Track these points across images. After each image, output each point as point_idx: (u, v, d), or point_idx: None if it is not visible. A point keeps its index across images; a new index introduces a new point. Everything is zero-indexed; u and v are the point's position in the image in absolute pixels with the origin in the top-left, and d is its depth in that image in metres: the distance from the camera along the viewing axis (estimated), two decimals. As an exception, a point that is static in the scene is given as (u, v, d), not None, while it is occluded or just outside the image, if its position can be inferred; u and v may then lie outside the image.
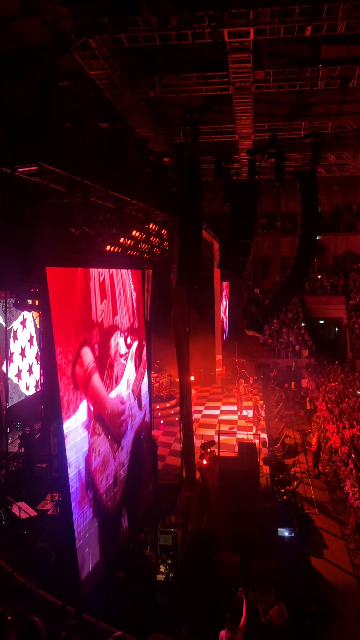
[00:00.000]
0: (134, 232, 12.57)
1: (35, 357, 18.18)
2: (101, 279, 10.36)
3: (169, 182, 10.37)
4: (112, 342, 10.96)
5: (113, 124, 9.04)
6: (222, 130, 19.23)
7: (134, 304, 12.55)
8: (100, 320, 10.24)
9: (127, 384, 12.03)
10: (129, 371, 12.12)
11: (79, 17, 11.12)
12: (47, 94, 7.04)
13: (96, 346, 9.98)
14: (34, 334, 17.77)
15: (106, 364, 10.58)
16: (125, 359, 11.83)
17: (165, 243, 14.67)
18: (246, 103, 15.98)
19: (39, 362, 17.23)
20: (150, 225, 13.17)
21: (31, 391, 18.41)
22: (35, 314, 13.63)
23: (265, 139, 17.82)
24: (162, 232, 14.14)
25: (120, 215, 10.61)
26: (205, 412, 24.30)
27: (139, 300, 12.94)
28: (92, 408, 9.72)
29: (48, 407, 9.51)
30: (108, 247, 11.62)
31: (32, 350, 17.94)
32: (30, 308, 10.47)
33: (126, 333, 11.89)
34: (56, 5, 10.21)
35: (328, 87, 15.07)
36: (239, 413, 23.43)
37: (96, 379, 10.00)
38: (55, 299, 8.27)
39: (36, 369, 18.12)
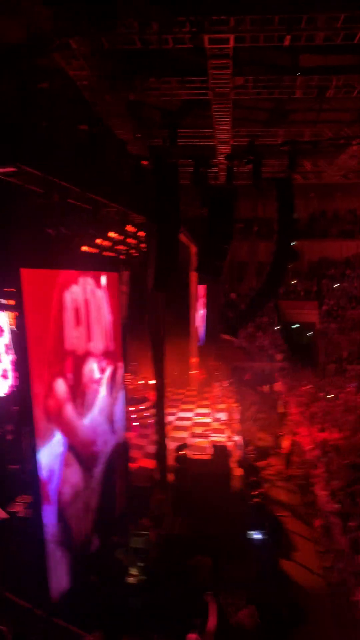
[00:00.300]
0: (111, 234, 12.54)
1: (11, 363, 17.89)
2: (77, 303, 10.29)
3: (147, 185, 10.39)
4: (86, 369, 10.89)
5: (92, 127, 9.02)
6: (200, 134, 19.35)
7: (110, 326, 12.50)
8: (74, 348, 10.15)
9: (100, 409, 11.97)
10: (102, 396, 12.06)
11: (60, 18, 11.08)
12: (26, 95, 6.98)
13: (69, 375, 9.92)
14: (8, 340, 17.49)
15: (78, 392, 10.49)
16: (99, 384, 11.76)
17: (143, 245, 14.66)
18: (225, 109, 16.13)
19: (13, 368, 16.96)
20: (128, 227, 13.16)
21: (3, 391, 18.13)
22: (11, 317, 13.45)
23: (243, 144, 18.00)
24: (140, 234, 14.13)
25: (97, 217, 10.58)
26: (180, 414, 24.33)
27: (116, 322, 12.89)
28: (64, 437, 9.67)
29: (21, 409, 9.43)
30: (84, 249, 11.57)
31: (8, 357, 17.66)
32: (4, 308, 10.38)
33: (101, 358, 11.83)
34: (36, 5, 10.15)
35: (306, 95, 15.30)
36: (212, 416, 23.51)
37: (69, 408, 9.94)
38: (30, 303, 8.20)
39: (10, 374, 17.82)
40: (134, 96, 15.32)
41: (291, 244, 12.89)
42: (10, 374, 17.07)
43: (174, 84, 14.83)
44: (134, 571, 11.47)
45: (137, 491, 15.04)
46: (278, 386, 28.57)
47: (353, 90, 14.98)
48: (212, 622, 7.46)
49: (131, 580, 11.35)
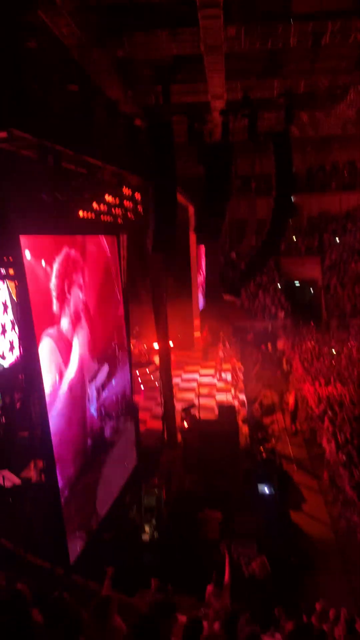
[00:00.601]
0: (107, 197, 12.36)
1: (17, 335, 17.89)
2: (77, 268, 10.23)
3: (142, 144, 10.18)
4: (90, 334, 10.91)
5: (82, 87, 8.77)
6: (194, 90, 18.82)
7: (112, 290, 12.44)
8: (77, 313, 10.17)
9: (107, 373, 12.05)
10: (108, 360, 12.12)
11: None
12: (13, 55, 6.76)
13: (74, 340, 9.97)
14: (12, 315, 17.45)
15: (84, 356, 10.55)
16: (104, 348, 11.79)
17: (140, 207, 14.47)
18: (218, 61, 15.61)
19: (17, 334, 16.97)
20: (124, 190, 12.96)
21: (9, 360, 18.25)
22: (13, 288, 13.35)
23: (238, 99, 17.52)
24: (136, 196, 13.92)
25: (92, 181, 10.41)
26: (185, 376, 24.55)
27: (118, 286, 12.80)
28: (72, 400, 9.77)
29: (28, 376, 9.51)
30: (81, 214, 11.42)
31: (13, 332, 17.68)
32: (4, 278, 10.31)
33: (104, 322, 11.83)
34: None
35: (301, 44, 14.77)
36: (218, 376, 23.72)
37: (76, 372, 10.01)
38: (31, 270, 8.16)
39: (17, 345, 17.87)
40: (123, 52, 14.83)
41: (290, 199, 12.67)
42: (16, 344, 17.14)
43: (164, 38, 14.31)
44: (146, 528, 11.78)
45: (147, 452, 15.32)
46: (281, 344, 28.71)
47: (349, 36, 14.45)
48: (227, 576, 7.70)
49: (145, 537, 11.67)
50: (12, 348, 16.67)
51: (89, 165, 9.22)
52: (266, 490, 13.31)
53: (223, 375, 23.53)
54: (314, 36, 14.11)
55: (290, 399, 19.00)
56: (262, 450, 15.69)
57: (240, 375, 23.27)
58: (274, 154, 11.47)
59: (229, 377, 23.05)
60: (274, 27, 14.03)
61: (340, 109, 21.36)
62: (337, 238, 36.64)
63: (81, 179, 10.02)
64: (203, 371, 25.24)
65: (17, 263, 7.86)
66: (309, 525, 13.00)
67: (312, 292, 36.75)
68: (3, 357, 18.01)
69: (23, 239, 7.93)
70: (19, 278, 7.98)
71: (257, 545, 10.94)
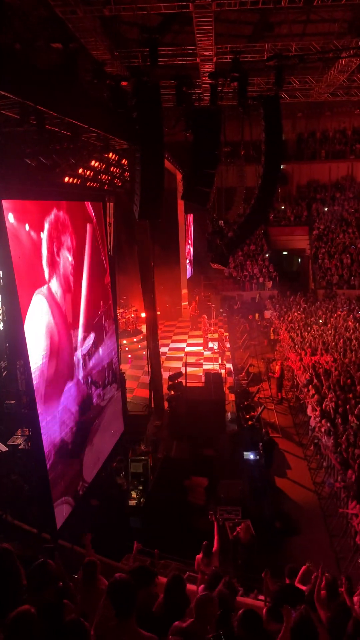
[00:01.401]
0: (93, 163, 12.07)
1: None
2: (62, 233, 10.04)
3: (128, 107, 9.89)
4: (76, 301, 10.79)
5: (66, 46, 8.43)
6: (182, 52, 18.35)
7: (98, 257, 12.27)
8: (62, 279, 10.01)
9: (93, 341, 11.98)
10: (94, 327, 12.04)
11: None
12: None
13: (60, 307, 9.84)
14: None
15: (70, 323, 10.45)
16: (90, 316, 11.69)
17: (127, 174, 14.18)
18: (207, 22, 15.18)
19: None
20: (110, 155, 12.66)
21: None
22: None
23: (227, 62, 17.10)
24: (123, 162, 13.62)
25: (77, 145, 10.14)
26: (172, 345, 24.61)
27: (104, 253, 12.62)
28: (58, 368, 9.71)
29: (13, 343, 9.43)
30: (67, 179, 11.16)
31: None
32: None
33: (90, 289, 11.68)
34: None
35: (292, 4, 14.39)
36: (205, 345, 23.79)
37: (62, 339, 9.92)
38: (14, 235, 8.00)
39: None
40: (109, 11, 14.34)
41: (279, 166, 12.46)
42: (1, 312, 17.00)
43: (152, -4, 13.87)
44: (133, 494, 11.93)
45: (134, 419, 15.42)
46: (268, 314, 28.82)
47: (342, -3, 14.11)
48: (216, 543, 7.83)
49: (131, 502, 11.82)
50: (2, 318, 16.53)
51: (74, 127, 8.94)
52: (251, 456, 13.51)
53: (210, 344, 23.60)
54: (306, -4, 13.75)
55: (277, 368, 19.15)
56: (248, 417, 15.85)
57: (227, 345, 23.37)
58: (263, 119, 11.21)
59: (215, 346, 23.14)
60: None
61: (332, 74, 21.01)
62: (325, 208, 36.48)
63: (66, 142, 9.75)
64: (190, 340, 25.30)
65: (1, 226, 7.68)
66: (293, 491, 13.25)
67: (299, 261, 36.75)
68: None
69: (5, 203, 7.73)
70: (2, 243, 7.81)
71: (242, 510, 11.13)
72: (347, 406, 14.65)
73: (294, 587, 5.68)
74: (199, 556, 7.76)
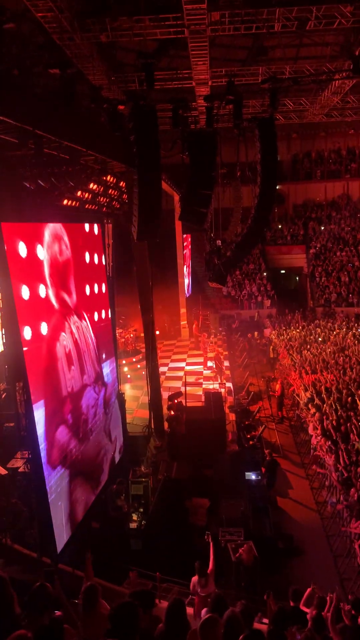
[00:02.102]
0: (91, 185, 12.22)
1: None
2: (61, 255, 10.10)
3: (125, 131, 10.04)
4: (75, 322, 10.83)
5: (64, 71, 8.59)
6: (178, 76, 18.68)
7: (97, 278, 12.35)
8: (61, 302, 10.07)
9: (92, 362, 11.98)
10: (93, 349, 12.04)
11: None
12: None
13: (59, 329, 9.86)
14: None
15: (70, 346, 10.47)
16: (89, 338, 11.71)
17: (125, 196, 14.34)
18: (202, 47, 15.50)
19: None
20: (108, 178, 12.82)
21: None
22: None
23: (222, 85, 17.41)
24: (121, 184, 13.79)
25: (76, 168, 10.26)
26: (172, 365, 24.56)
27: (102, 274, 12.69)
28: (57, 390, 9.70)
29: (13, 365, 9.41)
30: (65, 202, 11.29)
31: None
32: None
33: (89, 310, 11.75)
34: None
35: (285, 29, 14.71)
36: (204, 365, 23.76)
37: (61, 361, 9.93)
38: (13, 258, 8.05)
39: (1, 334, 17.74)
40: (106, 38, 14.64)
41: (275, 186, 12.60)
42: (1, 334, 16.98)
43: (147, 23, 14.17)
44: (134, 516, 11.80)
45: (134, 440, 15.32)
46: (267, 332, 28.84)
47: (333, 22, 14.41)
48: (211, 564, 7.72)
49: (132, 524, 11.69)
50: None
51: (72, 150, 9.06)
52: (253, 477, 13.39)
53: (210, 363, 23.57)
54: (299, 21, 14.05)
55: (277, 387, 19.10)
56: (249, 437, 15.77)
57: (225, 364, 23.34)
58: (258, 140, 11.36)
59: (214, 365, 23.10)
60: (258, 11, 13.96)
61: (325, 96, 21.37)
62: (321, 226, 36.79)
63: (64, 165, 9.87)
64: (190, 360, 25.27)
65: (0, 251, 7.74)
66: (296, 511, 13.12)
67: (297, 280, 36.90)
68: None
69: (5, 226, 7.80)
70: (1, 266, 7.86)
71: (244, 531, 11.01)
72: (349, 424, 14.57)
73: (296, 610, 5.60)
74: (195, 578, 7.65)
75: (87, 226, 12.13)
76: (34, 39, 15.21)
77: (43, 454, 8.92)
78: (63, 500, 9.81)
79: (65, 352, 10.18)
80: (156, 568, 9.15)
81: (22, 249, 8.48)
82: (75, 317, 10.90)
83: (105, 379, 12.96)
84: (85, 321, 11.54)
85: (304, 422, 16.95)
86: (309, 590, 6.49)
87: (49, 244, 9.60)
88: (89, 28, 14.25)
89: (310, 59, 19.64)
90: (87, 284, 11.73)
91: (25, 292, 8.46)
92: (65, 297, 10.33)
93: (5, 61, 7.46)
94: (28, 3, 12.28)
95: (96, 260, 12.45)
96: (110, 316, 13.55)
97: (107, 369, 13.11)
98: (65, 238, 10.47)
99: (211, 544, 7.87)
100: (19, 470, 12.22)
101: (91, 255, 12.01)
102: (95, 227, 12.67)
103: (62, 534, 9.63)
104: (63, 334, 10.12)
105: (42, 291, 9.13)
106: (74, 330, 10.83)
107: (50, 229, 9.73)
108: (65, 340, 10.21)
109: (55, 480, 9.42)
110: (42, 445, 8.95)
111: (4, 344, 15.55)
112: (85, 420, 11.36)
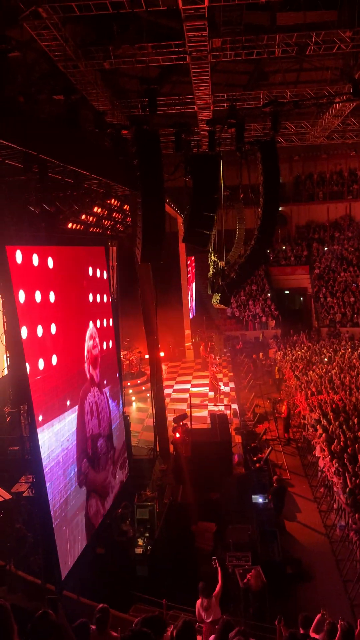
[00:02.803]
0: (95, 209, 12.35)
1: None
2: (65, 278, 10.18)
3: (129, 155, 10.18)
4: (79, 345, 10.86)
5: (68, 97, 8.76)
6: (180, 101, 18.98)
7: (101, 300, 12.41)
8: (65, 324, 10.11)
9: (97, 385, 11.96)
10: (98, 372, 12.03)
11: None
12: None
13: (63, 351, 9.89)
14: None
15: (74, 367, 10.47)
16: (93, 360, 11.72)
17: (129, 219, 14.48)
18: (204, 73, 15.77)
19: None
20: (112, 201, 12.95)
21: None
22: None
23: (224, 110, 17.67)
24: (125, 207, 13.92)
25: (80, 192, 10.39)
26: (177, 386, 24.46)
27: (107, 297, 12.76)
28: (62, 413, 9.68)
29: (17, 388, 9.38)
30: (70, 225, 11.39)
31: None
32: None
33: (93, 333, 11.79)
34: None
35: (285, 54, 14.96)
36: (209, 386, 23.64)
37: (65, 384, 9.92)
38: (17, 281, 8.09)
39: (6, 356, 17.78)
40: (109, 65, 14.93)
41: (277, 207, 12.70)
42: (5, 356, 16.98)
43: (150, 50, 14.45)
44: (140, 541, 11.62)
45: (139, 463, 15.18)
46: (272, 353, 28.74)
47: (333, 47, 14.66)
48: (218, 587, 7.57)
49: (137, 550, 11.51)
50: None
51: (77, 174, 9.18)
52: (260, 500, 13.21)
53: (214, 385, 23.44)
54: (299, 47, 14.30)
55: (283, 408, 18.95)
56: (255, 459, 15.60)
57: (230, 385, 23.23)
58: (261, 162, 11.49)
59: (220, 386, 23.00)
60: (258, 37, 14.23)
61: (326, 119, 21.64)
62: (325, 247, 36.93)
63: (69, 189, 9.99)
64: (195, 381, 25.16)
65: (3, 274, 7.78)
66: (304, 535, 12.90)
67: (302, 300, 36.90)
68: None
69: (9, 250, 7.86)
70: (6, 288, 7.89)
71: (251, 555, 10.82)
72: (356, 445, 14.40)
73: (307, 637, 5.46)
74: (198, 601, 7.50)
75: (91, 249, 12.19)
76: (39, 67, 15.55)
77: (48, 477, 8.84)
78: (68, 525, 9.68)
79: (69, 372, 10.16)
80: (162, 594, 8.98)
81: (27, 272, 8.52)
82: (80, 339, 10.90)
83: (112, 400, 12.90)
84: (91, 342, 11.54)
85: (311, 444, 16.77)
86: (318, 616, 6.35)
87: (53, 265, 9.64)
88: (93, 56, 14.54)
89: (311, 83, 19.92)
90: (91, 305, 11.78)
91: (28, 313, 8.48)
92: (69, 318, 10.35)
93: (11, 89, 7.63)
94: (33, 33, 12.56)
95: (100, 283, 12.50)
96: (114, 339, 13.55)
97: (113, 390, 13.06)
98: (70, 260, 10.51)
99: (219, 568, 7.74)
100: (23, 494, 12.10)
101: (94, 275, 12.07)
102: (100, 249, 12.75)
103: (66, 560, 9.48)
104: (67, 354, 10.11)
105: (45, 312, 9.15)
106: (79, 351, 10.83)
107: (54, 250, 9.78)
108: (71, 361, 10.20)
109: (60, 505, 9.31)
110: (48, 468, 8.88)
111: (8, 367, 15.59)
112: (93, 442, 11.28)
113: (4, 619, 3.03)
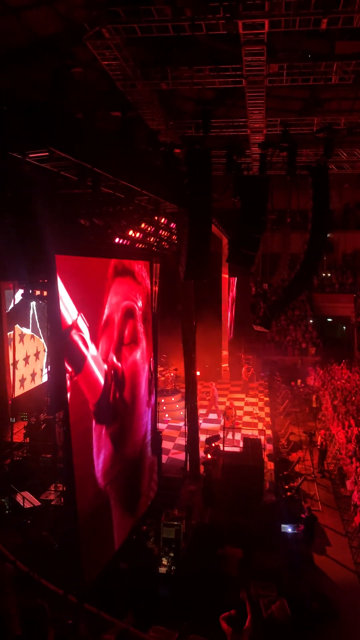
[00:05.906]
0: (143, 225, 12.52)
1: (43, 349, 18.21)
2: (109, 291, 10.33)
3: (180, 174, 10.32)
4: (118, 357, 10.96)
5: (125, 114, 8.98)
6: (234, 124, 19.16)
7: (142, 315, 12.54)
8: (107, 335, 10.23)
9: (133, 399, 12.01)
10: (134, 386, 12.09)
11: (93, 7, 11.09)
12: (59, 83, 7.01)
13: (103, 362, 9.99)
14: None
15: (111, 382, 10.54)
16: (131, 374, 11.80)
17: (174, 237, 14.61)
18: (259, 97, 15.92)
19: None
20: (160, 218, 13.12)
21: (37, 382, 18.45)
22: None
23: (276, 134, 17.73)
24: (171, 225, 14.06)
25: (129, 207, 10.56)
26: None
27: (148, 312, 12.88)
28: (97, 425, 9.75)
29: (54, 397, 9.51)
30: (117, 240, 11.58)
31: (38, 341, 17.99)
32: (37, 299, 10.47)
33: (132, 347, 11.89)
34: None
35: (342, 82, 14.95)
36: (244, 409, 23.37)
37: (102, 395, 9.99)
38: (64, 290, 8.25)
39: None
40: (167, 85, 15.24)
41: (326, 234, 12.58)
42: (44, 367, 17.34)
43: (207, 73, 14.69)
44: (164, 561, 11.49)
45: (168, 482, 15.07)
46: (311, 380, 28.23)
47: (391, 76, 14.57)
48: (249, 621, 7.37)
49: (161, 569, 11.37)
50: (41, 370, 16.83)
51: (128, 190, 9.33)
52: (289, 529, 12.88)
53: (250, 408, 23.19)
54: (356, 74, 14.26)
55: (319, 438, 18.52)
56: (287, 488, 15.26)
57: (268, 410, 22.90)
58: (312, 187, 11.45)
59: (255, 410, 22.71)
60: (316, 64, 14.29)
61: (379, 147, 21.42)
62: (371, 276, 36.26)
63: (119, 205, 10.18)
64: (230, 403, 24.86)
65: (51, 283, 7.95)
66: (332, 570, 12.46)
67: (344, 329, 36.21)
68: (33, 378, 18.23)
69: (59, 259, 8.04)
70: (53, 296, 8.06)
71: (277, 587, 10.52)
72: (393, 482, 13.94)
73: None
74: (228, 629, 7.30)
75: (136, 263, 12.32)
76: (99, 85, 16.02)
77: (78, 487, 8.87)
78: (93, 537, 9.67)
79: (107, 385, 10.23)
80: (183, 617, 8.82)
81: (73, 282, 8.67)
82: (121, 351, 10.99)
83: (146, 415, 12.92)
84: (130, 356, 11.62)
85: (345, 476, 16.30)
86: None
87: (100, 277, 9.79)
88: (151, 76, 14.89)
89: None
90: (132, 320, 11.87)
91: (75, 321, 8.62)
92: (111, 330, 10.45)
93: (71, 104, 7.88)
94: (95, 52, 12.97)
95: (143, 297, 12.61)
96: (153, 354, 13.60)
97: (148, 406, 13.07)
98: (116, 271, 10.66)
99: (247, 602, 7.56)
100: (52, 502, 12.19)
101: (137, 289, 12.19)
102: (145, 264, 12.88)
103: (90, 572, 9.46)
104: (106, 365, 10.20)
105: (89, 323, 9.27)
106: (118, 362, 10.91)
107: (100, 262, 9.94)
108: (109, 374, 10.28)
109: (87, 517, 9.32)
110: (79, 478, 8.92)
111: (48, 373, 15.85)
112: (123, 456, 11.29)
113: (42, 618, 3.05)
